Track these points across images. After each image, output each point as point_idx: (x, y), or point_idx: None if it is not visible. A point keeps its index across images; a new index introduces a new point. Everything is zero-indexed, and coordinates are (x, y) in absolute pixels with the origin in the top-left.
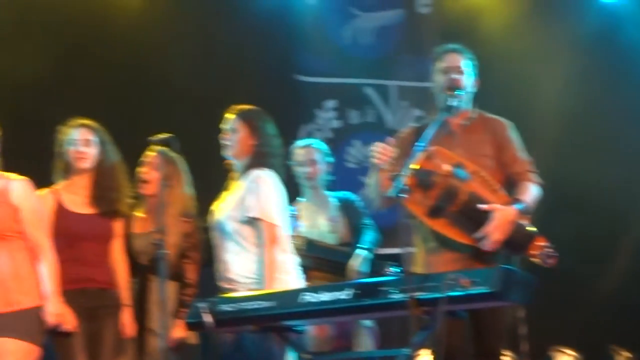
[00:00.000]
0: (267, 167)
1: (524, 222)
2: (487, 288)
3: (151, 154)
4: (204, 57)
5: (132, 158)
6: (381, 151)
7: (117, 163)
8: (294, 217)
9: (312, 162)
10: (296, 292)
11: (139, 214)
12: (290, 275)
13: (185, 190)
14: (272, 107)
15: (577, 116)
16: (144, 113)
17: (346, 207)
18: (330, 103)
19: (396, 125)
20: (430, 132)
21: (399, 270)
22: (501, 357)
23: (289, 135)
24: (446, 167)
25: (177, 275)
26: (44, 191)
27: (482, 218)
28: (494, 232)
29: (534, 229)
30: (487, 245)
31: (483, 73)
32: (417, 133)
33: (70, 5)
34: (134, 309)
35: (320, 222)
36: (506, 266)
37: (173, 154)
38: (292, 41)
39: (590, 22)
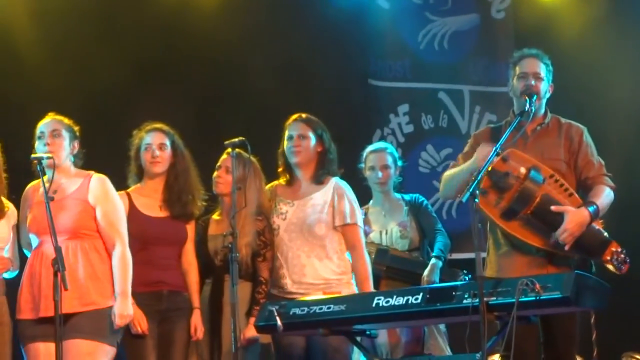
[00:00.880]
0: (334, 174)
1: (598, 226)
2: (560, 293)
3: (225, 157)
4: (278, 62)
5: (206, 161)
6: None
7: (190, 166)
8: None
9: (385, 167)
10: (368, 296)
11: (215, 216)
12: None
13: (258, 190)
14: (345, 111)
15: None
16: (217, 117)
17: (416, 210)
18: (404, 107)
19: (469, 130)
20: (505, 135)
21: (470, 277)
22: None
23: (362, 140)
24: (522, 170)
25: (251, 275)
26: (118, 193)
27: (555, 221)
28: (567, 234)
29: (607, 234)
30: (560, 247)
31: (558, 77)
32: (492, 134)
33: (149, 10)
34: (209, 309)
35: (391, 227)
36: (579, 271)
37: (246, 156)
38: (367, 45)
39: None
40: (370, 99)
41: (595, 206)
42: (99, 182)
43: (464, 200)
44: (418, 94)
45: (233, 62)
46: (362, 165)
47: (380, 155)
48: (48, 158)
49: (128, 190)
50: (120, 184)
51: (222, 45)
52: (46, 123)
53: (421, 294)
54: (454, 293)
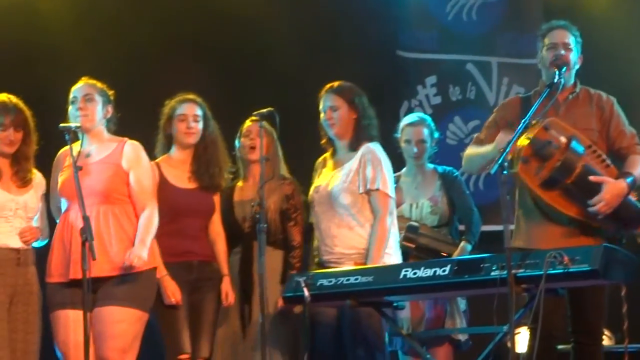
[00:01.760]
0: (372, 139)
1: (634, 199)
2: (588, 266)
3: (250, 124)
4: (306, 32)
5: (234, 133)
6: None
7: (218, 138)
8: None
9: (420, 142)
10: (396, 268)
11: (239, 183)
12: (393, 252)
13: (281, 161)
14: (373, 83)
15: None
16: (245, 88)
17: (449, 185)
18: (432, 79)
19: (497, 102)
20: (534, 107)
21: None
22: (601, 335)
23: (390, 111)
24: (563, 139)
25: (280, 241)
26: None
27: (593, 191)
28: (603, 204)
29: None
30: (594, 217)
31: (586, 49)
32: (522, 104)
33: None
34: (239, 278)
35: (422, 201)
36: (608, 245)
37: (270, 127)
38: (395, 16)
39: None
40: (398, 71)
41: (632, 177)
42: (133, 148)
43: (492, 172)
44: (446, 66)
45: (261, 32)
46: (399, 135)
47: (417, 130)
48: (76, 127)
49: (157, 160)
50: (146, 152)
51: (250, 15)
52: (79, 87)
53: (449, 265)
54: (481, 265)
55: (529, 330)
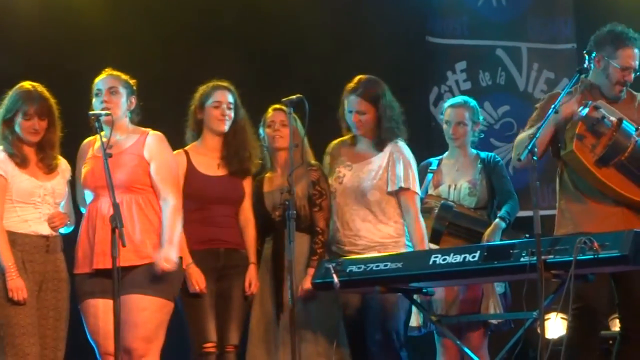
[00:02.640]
0: (398, 136)
1: None
2: (619, 251)
3: (273, 113)
4: (336, 19)
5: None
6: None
7: (248, 124)
8: (432, 173)
9: (459, 124)
10: (425, 254)
11: (267, 174)
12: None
13: (307, 144)
14: (403, 68)
15: None
16: (275, 76)
17: (489, 169)
18: (461, 65)
19: (527, 88)
20: (565, 90)
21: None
22: None
23: (419, 97)
24: (613, 118)
25: (308, 227)
26: (176, 152)
27: None
28: None
29: None
30: None
31: None
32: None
33: None
34: (272, 266)
35: (460, 183)
36: (638, 230)
37: (294, 114)
38: (425, 2)
39: None
40: (428, 57)
41: None
42: (155, 139)
43: (522, 158)
44: (475, 51)
45: (291, 20)
46: (442, 116)
47: (458, 111)
48: (106, 115)
49: (186, 148)
50: (176, 140)
51: (281, 3)
52: (103, 80)
53: (478, 252)
54: (511, 251)
55: (568, 315)
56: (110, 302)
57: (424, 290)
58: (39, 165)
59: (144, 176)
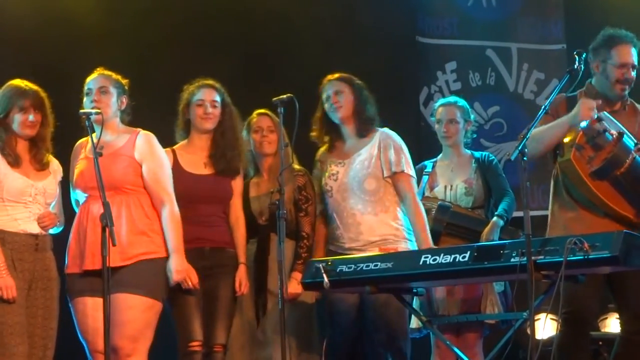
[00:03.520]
0: (379, 124)
1: None
2: (609, 252)
3: (257, 118)
4: (325, 18)
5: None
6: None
7: (237, 123)
8: (428, 175)
9: (451, 121)
10: (416, 254)
11: (253, 179)
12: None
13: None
14: (393, 68)
15: None
16: (264, 76)
17: (484, 168)
18: (451, 65)
19: (517, 88)
20: (554, 93)
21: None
22: None
23: (409, 97)
24: (614, 132)
25: (293, 232)
26: (164, 150)
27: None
28: None
29: None
30: None
31: None
32: (568, 103)
33: None
34: (255, 268)
35: (456, 183)
36: (627, 231)
37: (272, 115)
38: (415, 3)
39: None
40: (418, 56)
41: None
42: (145, 139)
43: (512, 158)
44: (466, 52)
45: (281, 19)
46: (433, 117)
47: (449, 109)
48: (96, 114)
49: (174, 147)
50: (166, 139)
51: (270, 3)
52: (94, 79)
53: (469, 252)
54: (502, 251)
55: (558, 317)
56: (99, 300)
57: (414, 291)
58: (32, 162)
59: (134, 177)
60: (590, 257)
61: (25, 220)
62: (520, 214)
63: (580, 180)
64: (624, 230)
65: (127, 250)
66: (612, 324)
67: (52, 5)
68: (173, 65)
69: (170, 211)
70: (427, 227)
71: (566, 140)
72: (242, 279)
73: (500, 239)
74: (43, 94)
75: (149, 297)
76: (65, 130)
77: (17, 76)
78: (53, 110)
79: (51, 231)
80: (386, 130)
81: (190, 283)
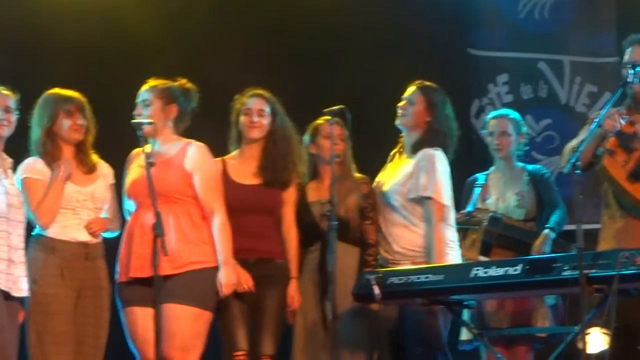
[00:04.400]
0: (438, 145)
1: None
2: None
3: (323, 123)
4: (380, 31)
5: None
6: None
7: (292, 134)
8: (480, 188)
9: (503, 134)
10: (467, 266)
11: (311, 184)
12: (453, 251)
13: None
14: (445, 80)
15: None
16: (319, 86)
17: (537, 181)
18: (503, 77)
19: (569, 101)
20: (608, 104)
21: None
22: None
23: (460, 110)
24: None
25: (358, 239)
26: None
27: None
28: None
29: None
30: None
31: None
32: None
33: None
34: (319, 275)
35: (508, 195)
36: None
37: (342, 124)
38: (466, 15)
39: None
40: (469, 69)
41: None
42: (196, 150)
43: (565, 171)
44: (517, 64)
45: (335, 31)
46: (485, 129)
47: (501, 122)
48: (148, 124)
49: (225, 157)
50: (219, 149)
51: (325, 14)
52: (141, 92)
53: (520, 265)
54: (553, 265)
55: (610, 331)
56: (149, 310)
57: (465, 303)
58: (79, 167)
59: (184, 187)
60: None
61: (74, 228)
62: (572, 227)
63: (618, 185)
64: None
65: (176, 259)
66: None
67: (105, 15)
68: (229, 77)
69: (221, 222)
70: (443, 255)
71: (601, 148)
72: (293, 294)
73: (551, 251)
74: (83, 100)
75: (198, 307)
76: (120, 140)
77: (71, 84)
78: (107, 120)
79: (106, 235)
80: (432, 151)
81: (245, 287)
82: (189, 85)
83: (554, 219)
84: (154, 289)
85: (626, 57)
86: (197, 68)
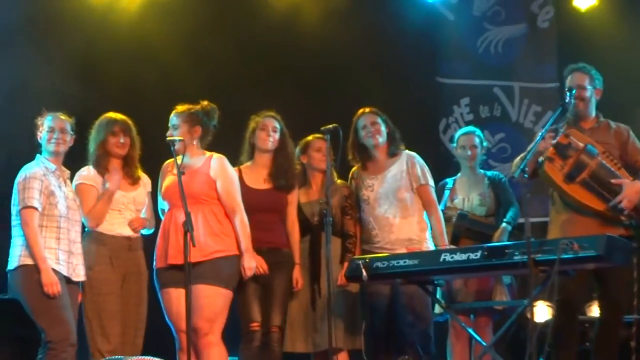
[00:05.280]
0: (403, 148)
1: None
2: (594, 252)
3: (315, 140)
4: (366, 63)
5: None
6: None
7: (292, 147)
8: (449, 190)
9: (473, 147)
10: (437, 253)
11: (301, 189)
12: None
13: None
14: (418, 103)
15: None
16: (312, 108)
17: (495, 184)
18: (465, 100)
19: (519, 119)
20: (550, 121)
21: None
22: (622, 313)
23: (430, 127)
24: (580, 144)
25: (339, 231)
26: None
27: (609, 187)
28: (626, 201)
29: None
30: (618, 211)
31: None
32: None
33: (261, 18)
34: (309, 261)
35: (472, 196)
36: (609, 235)
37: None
38: (435, 50)
39: None
40: (438, 93)
41: None
42: (218, 160)
43: (515, 175)
44: (476, 89)
45: (327, 61)
46: (455, 145)
47: (470, 137)
48: (180, 141)
49: (240, 166)
50: (232, 161)
51: (319, 49)
52: (171, 117)
53: (480, 251)
54: (506, 251)
55: (553, 304)
56: (181, 290)
57: (436, 282)
58: (125, 177)
59: (209, 190)
60: (579, 255)
61: (120, 225)
62: (523, 220)
63: (557, 186)
64: (607, 234)
65: (204, 248)
66: (596, 310)
67: (151, 55)
68: (241, 99)
69: (241, 218)
70: (444, 230)
71: (541, 158)
72: (297, 278)
73: (508, 241)
74: (130, 122)
75: (223, 287)
76: (157, 153)
77: (115, 108)
78: (146, 137)
79: (143, 232)
80: (410, 152)
81: (261, 270)
82: (210, 106)
83: (509, 214)
84: (185, 273)
85: (566, 83)
86: (216, 93)
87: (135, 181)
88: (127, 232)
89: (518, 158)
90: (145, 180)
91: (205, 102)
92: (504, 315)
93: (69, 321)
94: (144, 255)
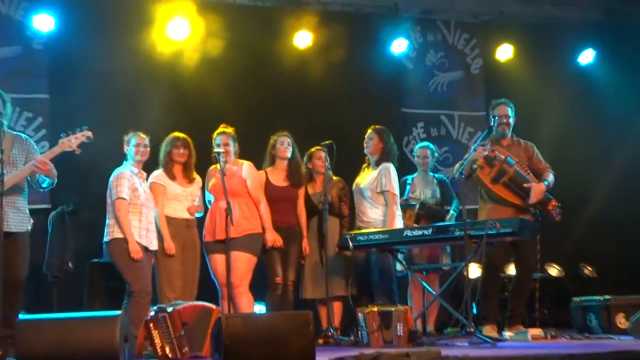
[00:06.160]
0: (390, 161)
1: (547, 193)
2: (511, 229)
3: (315, 151)
4: (347, 95)
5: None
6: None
7: (299, 156)
8: (410, 185)
9: (426, 157)
10: (401, 230)
11: (308, 184)
12: (398, 219)
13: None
14: (387, 125)
15: (568, 136)
16: (309, 129)
17: (441, 184)
18: (421, 124)
19: (458, 137)
20: (480, 138)
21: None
22: (532, 272)
23: (397, 142)
24: (502, 156)
25: (337, 213)
26: (260, 172)
27: (523, 187)
28: (534, 198)
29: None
30: (530, 203)
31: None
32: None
33: (279, 62)
34: (317, 234)
35: (426, 191)
36: (522, 218)
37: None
38: (400, 88)
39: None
40: (401, 119)
41: (547, 182)
42: (248, 166)
43: (456, 176)
44: (429, 116)
45: (321, 95)
46: (414, 154)
47: (424, 150)
48: (223, 153)
49: (266, 170)
50: (257, 165)
51: (313, 83)
52: (220, 135)
53: (431, 229)
54: (449, 229)
55: (482, 265)
56: (222, 256)
57: (401, 250)
58: (184, 178)
59: (242, 187)
60: (500, 231)
61: (181, 210)
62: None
63: (485, 186)
64: (520, 217)
65: (239, 228)
66: (512, 269)
67: (195, 80)
68: (264, 124)
69: (264, 206)
70: (393, 222)
71: (475, 165)
72: (305, 247)
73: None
74: (188, 139)
75: (251, 254)
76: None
77: (178, 128)
78: (201, 149)
79: (197, 215)
80: (388, 164)
81: (278, 244)
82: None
83: (452, 206)
84: (226, 244)
85: (492, 112)
86: (247, 120)
87: (191, 180)
88: (186, 215)
89: (457, 164)
90: (198, 179)
91: (232, 128)
92: (447, 273)
93: (147, 277)
94: (197, 232)
